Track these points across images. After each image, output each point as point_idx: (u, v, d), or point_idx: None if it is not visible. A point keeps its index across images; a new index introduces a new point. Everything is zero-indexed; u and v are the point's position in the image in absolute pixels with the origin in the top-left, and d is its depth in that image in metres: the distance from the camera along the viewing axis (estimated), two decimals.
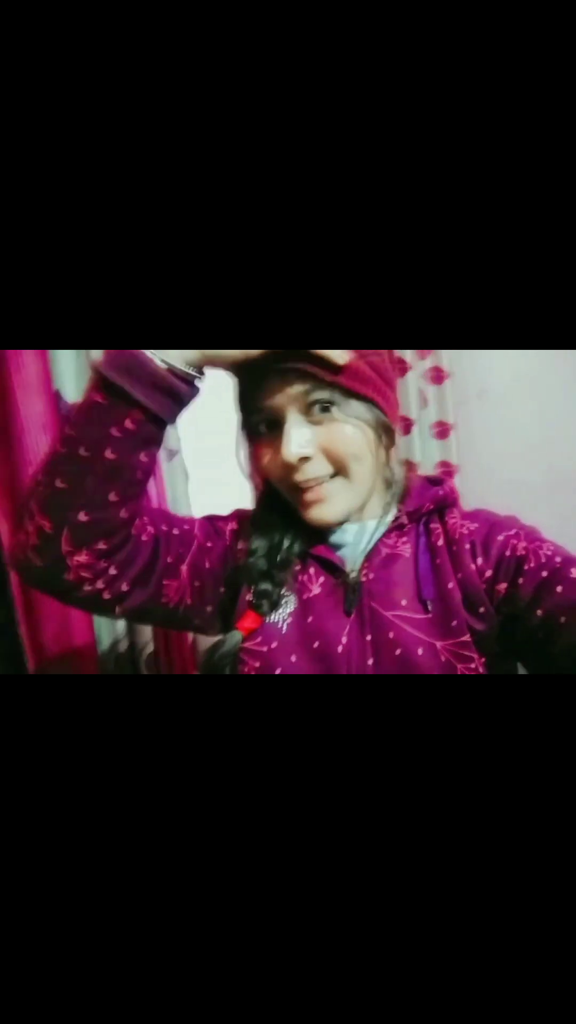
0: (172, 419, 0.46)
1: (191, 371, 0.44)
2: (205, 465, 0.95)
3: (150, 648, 0.88)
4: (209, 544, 0.54)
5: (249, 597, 0.52)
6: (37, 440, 0.79)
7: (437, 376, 1.31)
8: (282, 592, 0.51)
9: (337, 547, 0.52)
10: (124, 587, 0.47)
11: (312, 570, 0.52)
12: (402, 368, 1.28)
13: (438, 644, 0.46)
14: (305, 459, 0.45)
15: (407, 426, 1.28)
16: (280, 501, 0.52)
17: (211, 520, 0.57)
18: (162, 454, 0.84)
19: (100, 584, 0.46)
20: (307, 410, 0.46)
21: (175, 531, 0.51)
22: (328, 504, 0.48)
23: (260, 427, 0.48)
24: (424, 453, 1.31)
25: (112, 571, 0.46)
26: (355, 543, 0.51)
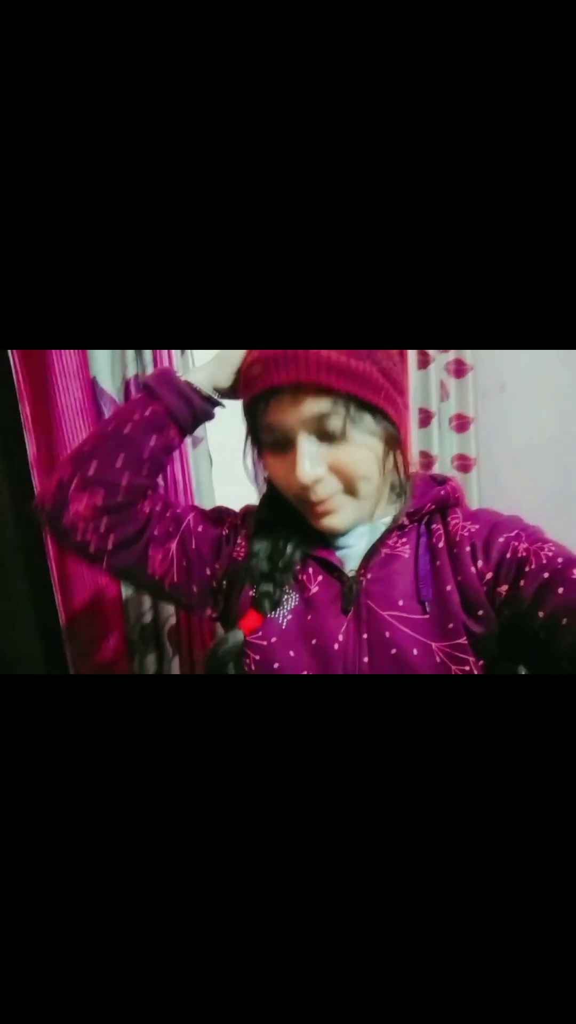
0: (184, 421, 0.54)
1: (213, 395, 0.54)
2: (230, 452, 1.00)
3: (172, 621, 0.95)
4: (200, 528, 0.57)
5: (252, 593, 0.54)
6: (75, 424, 0.85)
7: (459, 369, 1.32)
8: (284, 592, 0.53)
9: (337, 548, 0.53)
10: (109, 545, 0.53)
11: (311, 569, 0.53)
12: (424, 360, 1.30)
13: (434, 645, 0.47)
14: (317, 480, 0.47)
15: (427, 418, 1.30)
16: (284, 505, 0.53)
17: (212, 510, 0.61)
18: (188, 441, 0.89)
19: (89, 536, 0.52)
20: (320, 431, 0.46)
21: (168, 513, 0.57)
22: (338, 515, 0.49)
23: (271, 443, 0.49)
24: (442, 446, 1.33)
25: (102, 528, 0.52)
26: (355, 544, 0.53)
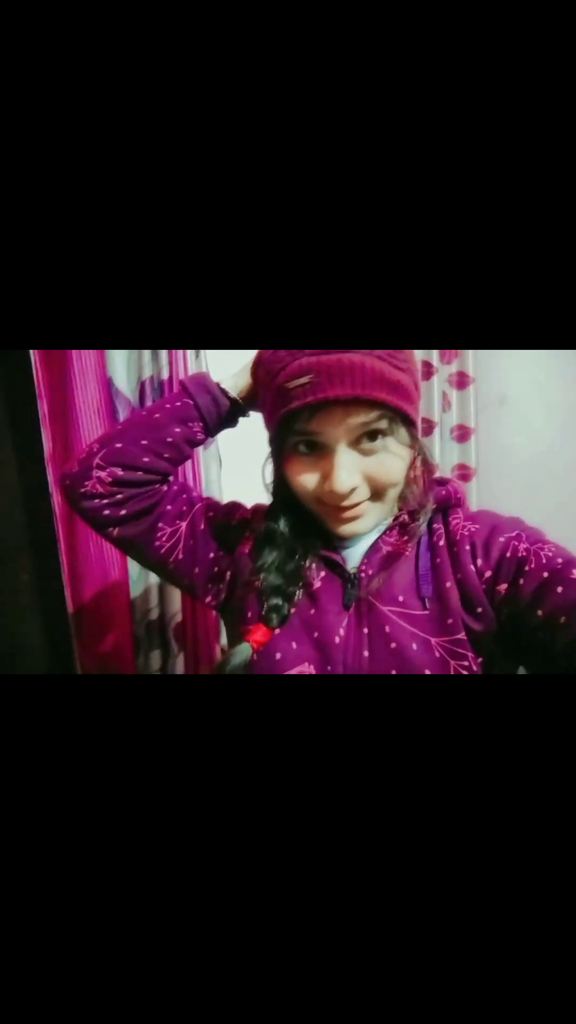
0: (210, 419, 0.58)
1: (240, 401, 0.58)
2: (239, 454, 1.02)
3: (178, 618, 0.96)
4: (211, 514, 0.60)
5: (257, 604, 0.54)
6: (91, 422, 0.87)
7: (462, 381, 1.36)
8: (292, 606, 0.52)
9: (342, 547, 0.54)
10: (122, 512, 0.57)
11: (314, 565, 0.54)
12: (427, 371, 1.33)
13: (433, 640, 0.47)
14: (352, 491, 0.47)
15: (429, 428, 1.34)
16: (295, 513, 0.54)
17: (225, 504, 0.63)
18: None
19: (105, 502, 0.56)
20: (358, 440, 0.46)
21: (184, 495, 0.61)
22: (362, 521, 0.50)
23: (299, 447, 0.48)
24: (444, 455, 1.36)
25: (118, 496, 0.56)
26: (358, 543, 0.54)
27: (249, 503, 0.64)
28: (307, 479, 0.49)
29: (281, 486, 0.53)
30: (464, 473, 1.37)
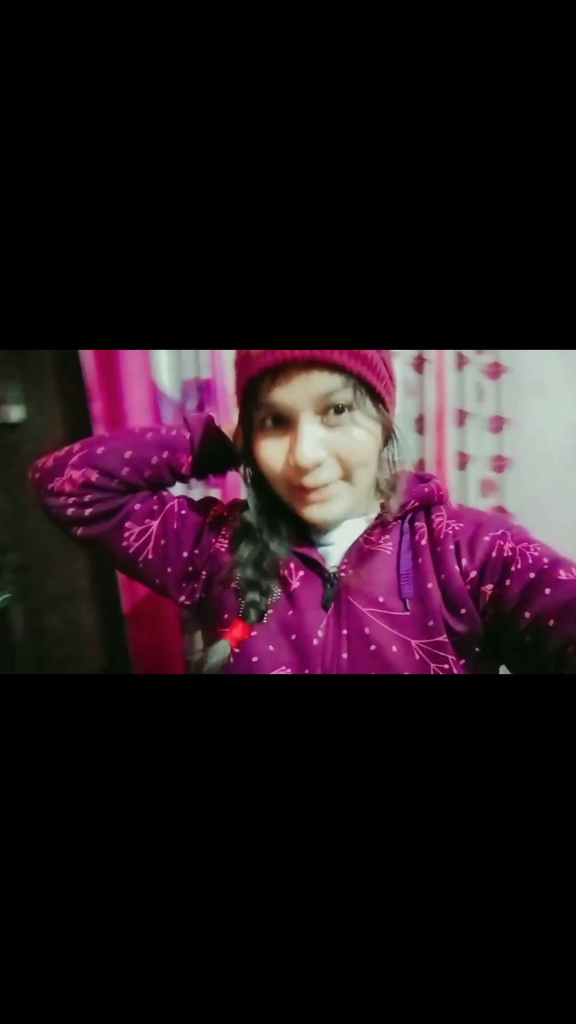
0: (199, 457, 0.57)
1: (236, 448, 0.54)
2: None
3: None
4: (183, 512, 0.57)
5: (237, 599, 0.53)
6: (140, 421, 0.93)
7: (495, 371, 1.35)
8: (269, 601, 0.51)
9: (320, 545, 0.53)
10: (86, 513, 0.54)
11: (292, 564, 0.52)
12: (461, 361, 1.34)
13: (413, 642, 0.46)
14: (317, 465, 0.45)
15: (463, 418, 1.34)
16: (270, 505, 0.52)
17: (200, 500, 0.62)
18: None
19: (71, 500, 0.54)
20: (324, 412, 0.45)
21: (155, 495, 0.58)
22: (331, 505, 0.48)
23: (266, 421, 0.47)
24: (478, 446, 1.37)
25: (84, 499, 0.54)
26: (337, 541, 0.52)
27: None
28: (274, 456, 0.47)
29: (256, 478, 0.52)
30: (500, 464, 1.37)
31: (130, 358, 0.92)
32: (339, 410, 0.45)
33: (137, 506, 0.56)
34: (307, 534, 0.54)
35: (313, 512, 0.48)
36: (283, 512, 0.52)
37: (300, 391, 0.44)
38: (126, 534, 0.55)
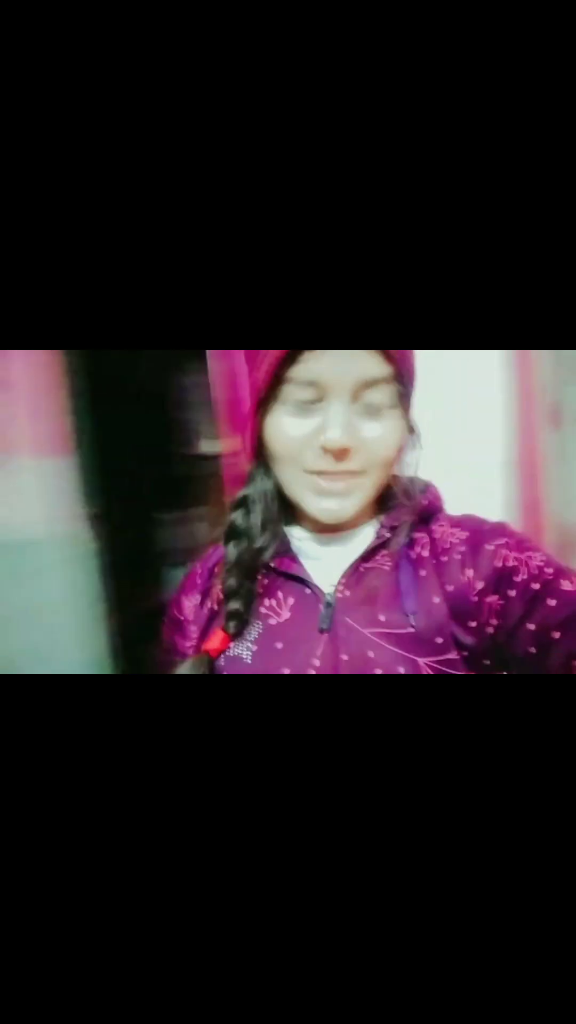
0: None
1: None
2: None
3: None
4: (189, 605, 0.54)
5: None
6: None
7: None
8: (250, 611, 0.49)
9: (307, 559, 0.50)
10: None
11: (280, 594, 0.49)
12: None
13: (421, 660, 0.44)
14: (345, 450, 0.43)
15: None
16: (264, 500, 0.50)
17: (186, 580, 0.57)
18: None
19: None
20: (357, 399, 0.43)
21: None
22: (346, 499, 0.45)
23: (293, 399, 0.44)
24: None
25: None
26: (325, 558, 0.49)
27: None
28: (295, 436, 0.44)
29: (257, 471, 0.50)
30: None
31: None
32: (374, 404, 0.43)
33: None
34: (288, 548, 0.50)
35: (326, 504, 0.45)
36: (276, 519, 0.50)
37: (343, 370, 0.42)
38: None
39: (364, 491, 0.46)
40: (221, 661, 0.48)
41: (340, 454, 0.43)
